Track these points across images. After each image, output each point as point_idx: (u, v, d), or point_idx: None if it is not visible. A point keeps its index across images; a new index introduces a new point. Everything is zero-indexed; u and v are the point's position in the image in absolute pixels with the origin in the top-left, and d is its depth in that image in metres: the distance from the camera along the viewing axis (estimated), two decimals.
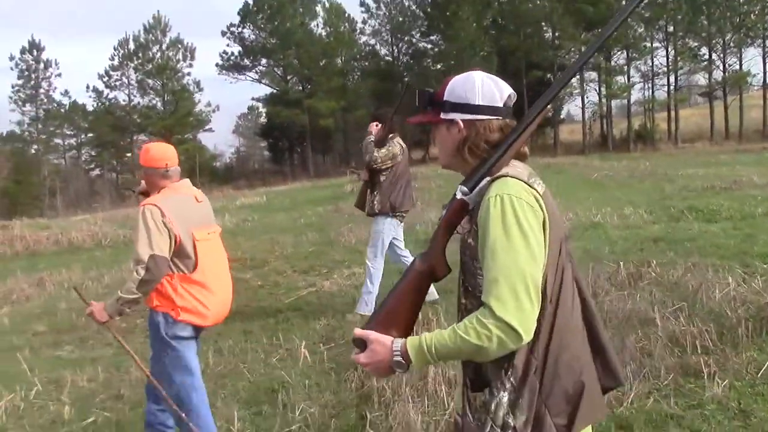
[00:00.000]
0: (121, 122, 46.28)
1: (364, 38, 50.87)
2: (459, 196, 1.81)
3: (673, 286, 6.44)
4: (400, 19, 49.90)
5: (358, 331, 1.82)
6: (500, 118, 1.85)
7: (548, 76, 48.69)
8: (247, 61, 51.29)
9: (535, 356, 1.74)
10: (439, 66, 45.71)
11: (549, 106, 1.89)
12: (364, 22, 49.50)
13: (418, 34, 50.48)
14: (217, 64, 51.29)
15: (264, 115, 55.16)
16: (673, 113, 46.95)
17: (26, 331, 7.81)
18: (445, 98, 1.88)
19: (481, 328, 1.64)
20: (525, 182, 1.75)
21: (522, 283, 1.64)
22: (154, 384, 3.65)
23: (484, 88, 1.85)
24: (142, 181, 3.98)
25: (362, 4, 49.44)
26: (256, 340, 6.40)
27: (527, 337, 1.66)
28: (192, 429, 3.57)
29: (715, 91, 47.21)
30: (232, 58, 51.12)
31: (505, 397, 1.75)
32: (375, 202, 6.52)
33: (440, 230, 1.86)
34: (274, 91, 51.69)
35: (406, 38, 50.62)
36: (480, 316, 1.66)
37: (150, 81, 44.88)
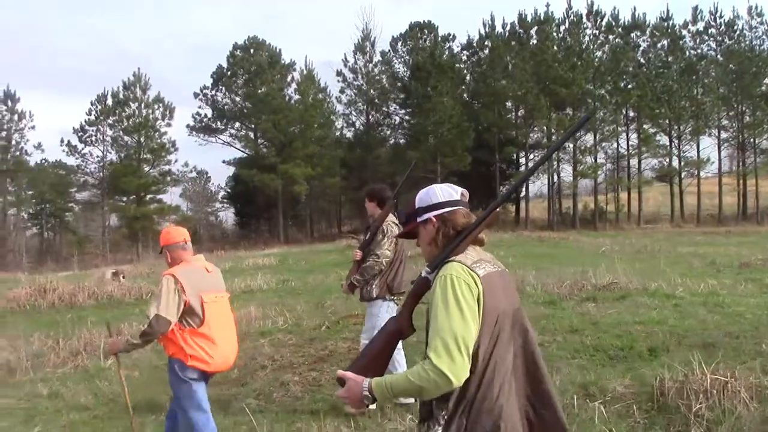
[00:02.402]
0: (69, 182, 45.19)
1: (339, 107, 51.42)
2: (424, 274, 2.49)
3: None
4: (374, 91, 50.65)
5: (341, 372, 2.43)
6: (461, 207, 2.52)
7: (521, 153, 49.97)
8: (219, 124, 51.11)
9: (465, 401, 2.29)
10: (415, 137, 46.32)
11: (498, 209, 2.55)
12: (342, 91, 50.11)
13: (394, 106, 51.36)
14: (187, 126, 51.04)
15: (231, 179, 54.60)
16: (636, 194, 48.66)
17: None
18: (417, 206, 2.57)
19: (423, 373, 2.21)
20: (467, 266, 2.34)
21: (453, 341, 2.20)
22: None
23: (442, 190, 2.55)
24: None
25: (339, 73, 50.17)
26: None
27: (457, 382, 2.20)
28: None
29: (673, 176, 49.16)
30: (205, 120, 50.87)
31: (438, 429, 2.34)
32: (373, 286, 6.14)
33: (408, 300, 2.53)
34: (245, 154, 51.44)
35: (383, 109, 51.37)
36: (423, 364, 2.23)
37: (127, 138, 43.95)
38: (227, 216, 75.47)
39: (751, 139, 49.56)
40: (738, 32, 49.19)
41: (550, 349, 7.55)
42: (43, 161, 49.29)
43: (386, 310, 6.12)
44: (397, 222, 6.17)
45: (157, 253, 39.24)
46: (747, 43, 48.99)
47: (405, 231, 2.69)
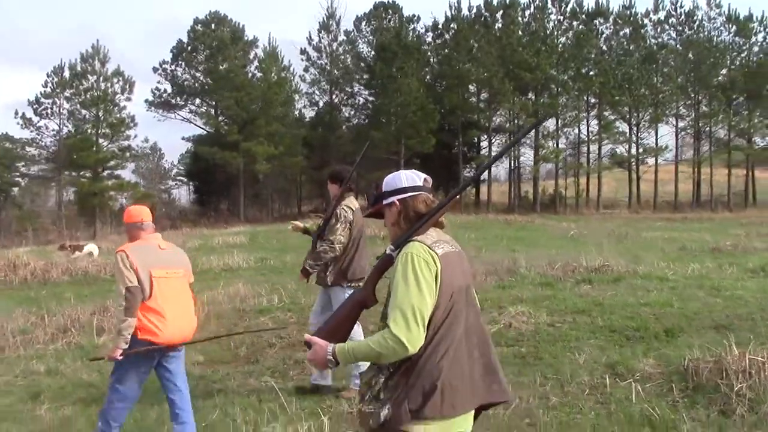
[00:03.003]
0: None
1: (303, 86, 50.76)
2: (388, 252, 2.68)
3: None
4: (338, 71, 50.18)
5: (308, 337, 2.66)
6: (422, 193, 2.73)
7: (483, 137, 50.16)
8: (179, 100, 50.04)
9: (409, 361, 2.50)
10: (379, 118, 46.13)
11: (458, 197, 2.86)
12: (306, 69, 49.50)
13: (358, 86, 50.94)
14: (146, 101, 49.89)
15: (189, 156, 53.60)
16: (595, 180, 49.42)
17: None
18: (384, 190, 2.77)
19: (382, 340, 2.44)
20: (427, 245, 2.57)
21: (411, 312, 2.43)
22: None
23: (407, 176, 2.77)
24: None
25: (303, 52, 49.48)
26: None
27: (413, 349, 2.44)
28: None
29: (631, 163, 50.04)
30: (164, 95, 49.78)
31: (381, 379, 2.55)
32: (328, 273, 5.95)
33: (373, 274, 2.74)
34: (204, 131, 50.59)
35: (346, 89, 50.92)
36: (383, 333, 2.46)
37: (84, 111, 42.60)
38: (180, 194, 74.58)
39: (707, 128, 50.68)
40: (697, 23, 50.14)
41: (563, 329, 7.59)
42: None
43: (344, 298, 5.92)
44: (352, 206, 5.97)
45: (115, 229, 38.58)
46: (706, 33, 49.97)
47: (371, 211, 2.91)
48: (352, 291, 5.64)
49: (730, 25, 49.93)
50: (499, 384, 2.69)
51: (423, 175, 2.79)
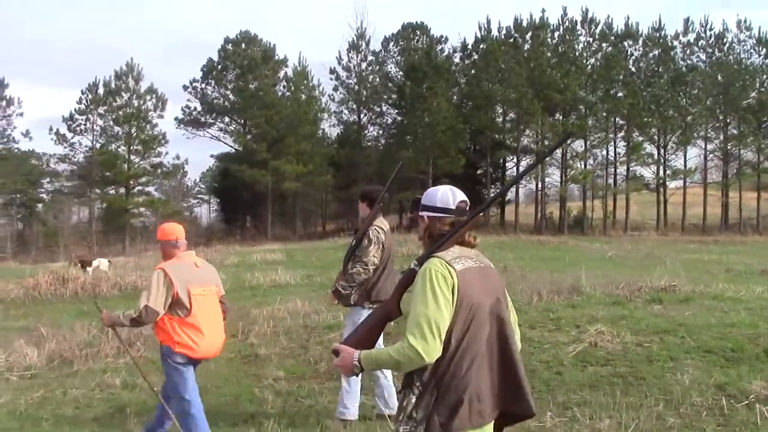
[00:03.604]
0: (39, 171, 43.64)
1: (332, 105, 50.95)
2: (412, 266, 2.80)
3: None
4: (366, 90, 50.27)
5: (336, 345, 2.84)
6: (451, 216, 2.84)
7: (509, 157, 50.01)
8: (209, 118, 50.40)
9: (436, 377, 2.65)
10: (407, 138, 46.17)
11: (481, 214, 2.97)
12: (336, 89, 49.69)
13: (386, 106, 51.03)
14: (176, 118, 50.30)
15: (217, 174, 53.91)
16: (622, 202, 49.14)
17: None
18: (422, 202, 2.92)
19: (401, 350, 2.60)
20: (446, 261, 2.69)
21: (427, 324, 2.57)
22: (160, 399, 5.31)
23: (443, 195, 2.88)
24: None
25: (332, 71, 49.70)
26: None
27: (428, 359, 2.58)
28: None
29: (660, 185, 49.68)
30: (194, 113, 50.18)
31: (413, 399, 2.69)
32: (352, 292, 5.75)
33: (397, 288, 2.86)
34: (233, 150, 50.87)
35: (374, 108, 51.02)
36: (402, 343, 2.61)
37: (117, 128, 42.89)
38: (201, 212, 75.02)
39: (735, 150, 50.30)
40: (727, 45, 49.90)
41: (653, 349, 7.41)
42: (16, 150, 47.63)
43: (358, 320, 5.46)
44: (383, 227, 5.79)
45: (144, 245, 38.74)
46: (735, 56, 49.72)
47: (409, 218, 3.44)
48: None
49: (761, 48, 49.69)
50: (524, 397, 2.79)
51: (460, 197, 2.90)
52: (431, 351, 2.57)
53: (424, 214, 2.88)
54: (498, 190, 49.66)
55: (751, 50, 49.94)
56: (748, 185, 50.60)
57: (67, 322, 11.10)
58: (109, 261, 22.68)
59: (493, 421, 2.77)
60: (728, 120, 49.89)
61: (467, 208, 2.89)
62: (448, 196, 2.87)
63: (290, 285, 15.57)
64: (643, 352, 7.34)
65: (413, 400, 2.68)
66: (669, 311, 9.42)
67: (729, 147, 49.91)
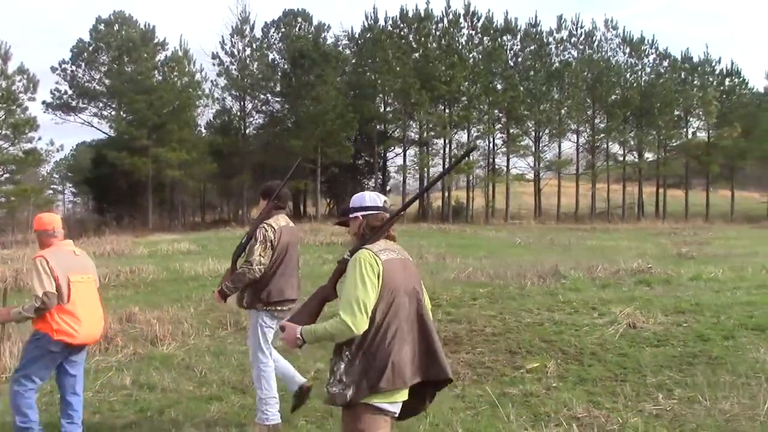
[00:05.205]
0: None
1: (217, 91, 48.97)
2: (345, 257, 3.36)
3: None
4: (252, 77, 48.73)
5: (282, 323, 3.42)
6: (380, 213, 3.46)
7: (399, 148, 50.23)
8: (81, 103, 47.24)
9: (363, 347, 3.19)
10: (291, 126, 45.37)
11: (403, 213, 3.68)
12: (220, 74, 47.77)
13: (270, 95, 49.72)
14: (44, 102, 46.70)
15: (90, 161, 50.69)
16: (502, 191, 50.73)
17: None
18: (351, 206, 3.53)
19: (335, 323, 3.16)
20: (374, 252, 3.27)
21: (356, 303, 3.14)
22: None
23: (371, 197, 3.53)
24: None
25: (215, 56, 47.86)
26: None
27: (357, 331, 3.14)
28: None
29: (537, 175, 51.74)
30: (64, 97, 46.81)
31: (342, 366, 3.23)
32: (245, 294, 5.58)
33: (334, 275, 3.44)
34: (108, 136, 47.97)
35: (261, 96, 49.58)
36: (335, 318, 3.16)
37: None
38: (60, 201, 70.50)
39: (604, 145, 53.29)
40: (596, 42, 52.62)
41: (694, 327, 7.59)
42: None
43: (257, 323, 5.54)
44: (274, 225, 5.54)
45: (15, 237, 35.72)
46: (603, 53, 52.52)
47: (338, 222, 3.73)
48: (268, 316, 5.54)
49: (625, 46, 52.80)
50: (439, 364, 3.34)
51: (383, 197, 3.58)
52: (359, 324, 3.14)
53: (359, 214, 3.48)
54: (378, 182, 50.12)
55: (617, 48, 53.00)
56: (613, 177, 53.74)
57: None
58: None
59: (409, 386, 3.28)
60: (596, 114, 52.59)
61: (389, 206, 3.53)
62: (374, 197, 3.54)
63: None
64: (686, 331, 7.48)
65: (342, 367, 3.23)
66: (668, 292, 9.69)
67: (596, 140, 52.60)
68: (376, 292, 3.20)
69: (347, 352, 3.22)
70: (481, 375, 6.54)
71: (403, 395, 3.30)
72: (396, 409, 3.31)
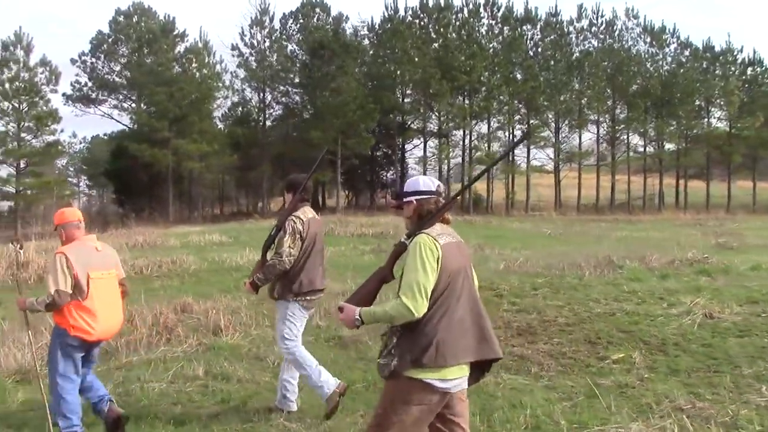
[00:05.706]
0: None
1: (237, 83, 48.92)
2: (403, 240, 3.48)
3: None
4: (271, 69, 48.61)
5: (341, 303, 3.46)
6: (434, 197, 3.50)
7: (418, 139, 50.03)
8: (101, 95, 47.30)
9: (411, 325, 3.27)
10: (310, 117, 45.22)
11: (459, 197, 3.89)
12: (239, 66, 47.73)
13: (289, 86, 49.60)
14: (64, 94, 46.78)
15: (110, 153, 50.69)
16: (522, 183, 50.47)
17: None
18: (405, 190, 3.57)
19: (396, 306, 3.24)
20: (432, 236, 3.33)
21: (417, 287, 3.22)
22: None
23: (424, 181, 3.55)
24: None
25: (234, 48, 47.80)
26: None
27: (417, 314, 3.23)
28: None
29: (557, 167, 51.37)
30: (84, 89, 46.88)
31: (394, 339, 3.35)
32: (276, 285, 5.64)
33: (391, 257, 3.55)
34: (126, 128, 48.04)
35: (281, 88, 49.48)
36: (396, 301, 3.26)
37: (6, 104, 39.06)
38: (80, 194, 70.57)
39: (624, 135, 52.83)
40: (617, 32, 52.10)
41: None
42: None
43: (287, 314, 5.59)
44: (302, 216, 5.56)
45: (38, 229, 35.76)
46: (623, 43, 51.99)
47: (394, 206, 3.67)
48: (298, 306, 5.63)
49: (646, 36, 52.28)
50: (490, 345, 3.44)
51: (437, 182, 3.61)
52: (420, 308, 3.22)
53: (412, 198, 3.50)
54: (393, 174, 49.97)
55: (638, 38, 52.46)
56: (633, 168, 53.27)
57: None
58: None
59: (466, 366, 3.40)
60: (616, 104, 52.15)
61: (443, 191, 3.57)
62: (428, 182, 3.56)
63: None
64: (766, 321, 7.31)
65: (394, 340, 3.35)
66: (731, 282, 9.52)
67: (616, 131, 52.17)
68: (436, 275, 3.26)
69: (399, 328, 3.33)
70: (565, 366, 6.41)
71: (455, 373, 3.35)
72: (448, 385, 3.33)
